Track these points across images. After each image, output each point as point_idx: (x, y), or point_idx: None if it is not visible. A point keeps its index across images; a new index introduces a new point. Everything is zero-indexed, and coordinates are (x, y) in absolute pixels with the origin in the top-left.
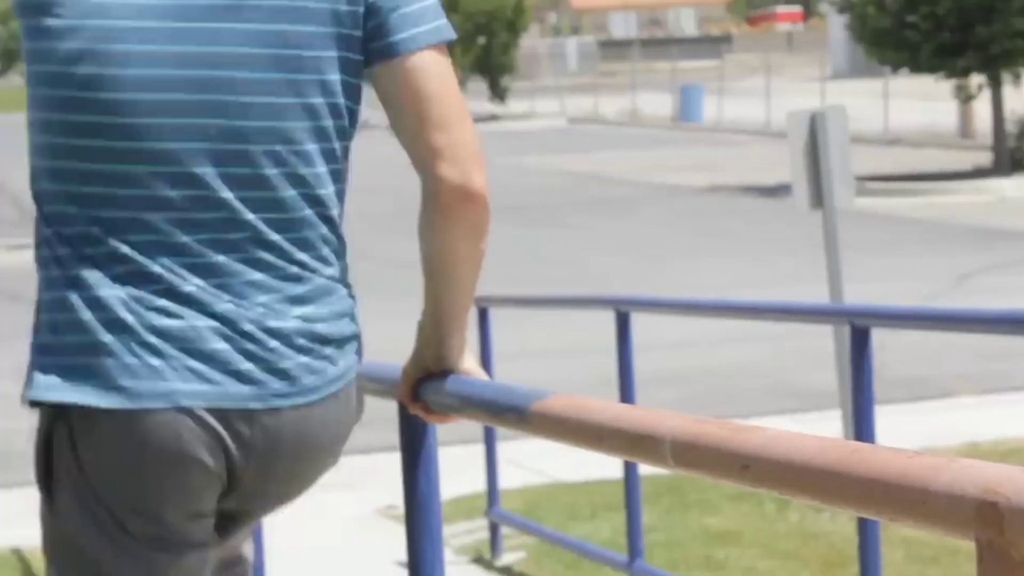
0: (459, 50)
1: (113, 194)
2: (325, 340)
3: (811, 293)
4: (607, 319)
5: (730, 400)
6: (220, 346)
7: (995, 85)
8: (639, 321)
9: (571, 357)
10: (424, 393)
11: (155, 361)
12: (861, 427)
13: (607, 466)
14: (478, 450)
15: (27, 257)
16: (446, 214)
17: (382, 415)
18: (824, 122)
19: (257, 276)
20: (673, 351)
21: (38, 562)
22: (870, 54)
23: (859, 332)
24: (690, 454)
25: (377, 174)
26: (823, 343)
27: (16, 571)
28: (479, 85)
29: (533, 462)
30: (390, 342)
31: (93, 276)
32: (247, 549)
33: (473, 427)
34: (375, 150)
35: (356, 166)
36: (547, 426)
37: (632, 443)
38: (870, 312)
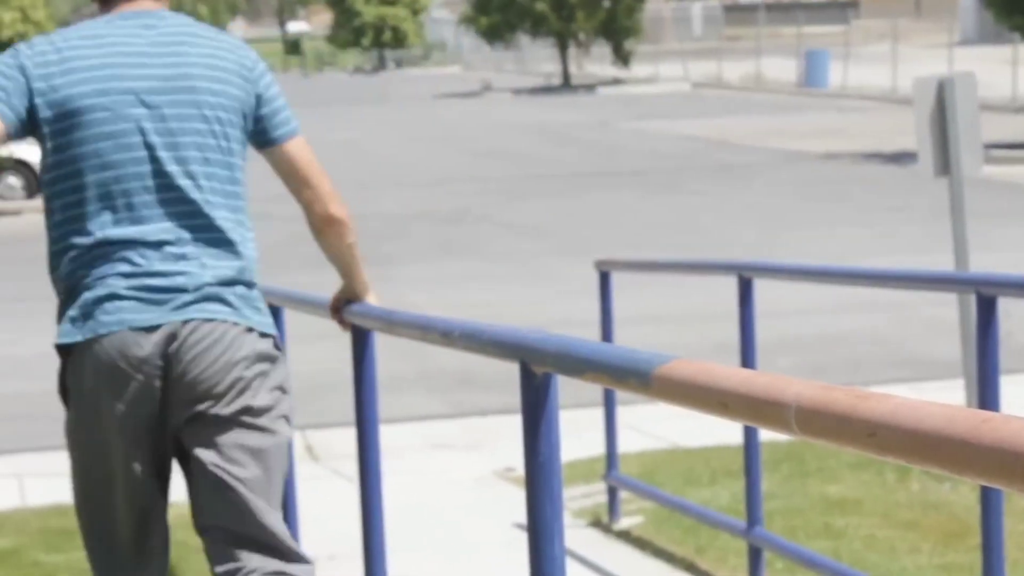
0: (583, 14)
1: None
2: None
3: (932, 262)
4: (727, 285)
5: (849, 368)
6: None
7: None
8: (757, 287)
9: (690, 322)
10: (539, 353)
11: None
12: (986, 397)
13: (726, 432)
14: (596, 414)
15: None
16: (318, 230)
17: (499, 377)
18: (952, 89)
19: None
20: (791, 318)
21: None
22: (999, 19)
23: (986, 301)
24: (815, 421)
25: (496, 137)
26: (943, 312)
27: None
28: (603, 49)
29: (651, 427)
30: (510, 307)
31: None
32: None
33: (592, 390)
34: (493, 112)
35: (474, 130)
36: (670, 391)
37: (756, 409)
38: (997, 281)
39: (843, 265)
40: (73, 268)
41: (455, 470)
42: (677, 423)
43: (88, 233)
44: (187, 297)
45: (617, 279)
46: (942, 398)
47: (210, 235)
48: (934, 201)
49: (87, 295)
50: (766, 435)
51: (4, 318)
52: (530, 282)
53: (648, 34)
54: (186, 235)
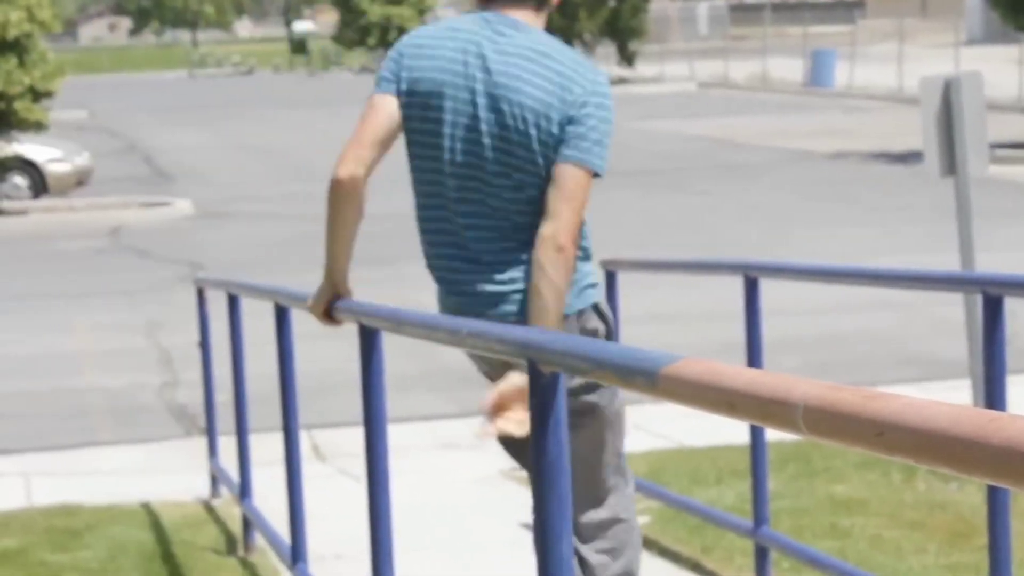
0: (586, 13)
1: None
2: None
3: (938, 262)
4: (733, 284)
5: (855, 368)
6: None
7: None
8: (763, 287)
9: (696, 322)
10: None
11: None
12: (993, 397)
13: (732, 432)
14: None
15: (157, 214)
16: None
17: None
18: (959, 89)
19: None
20: (797, 318)
21: (167, 515)
22: (1006, 19)
23: (992, 301)
24: (823, 421)
25: None
26: (948, 312)
27: (145, 524)
28: (608, 48)
29: (658, 426)
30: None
31: None
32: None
33: None
34: None
35: None
36: (677, 390)
37: (764, 409)
38: (1003, 281)
39: (849, 265)
40: None
41: (461, 469)
42: (683, 422)
43: None
44: None
45: (623, 278)
46: (948, 398)
47: None
48: (940, 201)
49: None
50: (772, 435)
51: (10, 317)
52: None
53: (653, 34)
54: None
